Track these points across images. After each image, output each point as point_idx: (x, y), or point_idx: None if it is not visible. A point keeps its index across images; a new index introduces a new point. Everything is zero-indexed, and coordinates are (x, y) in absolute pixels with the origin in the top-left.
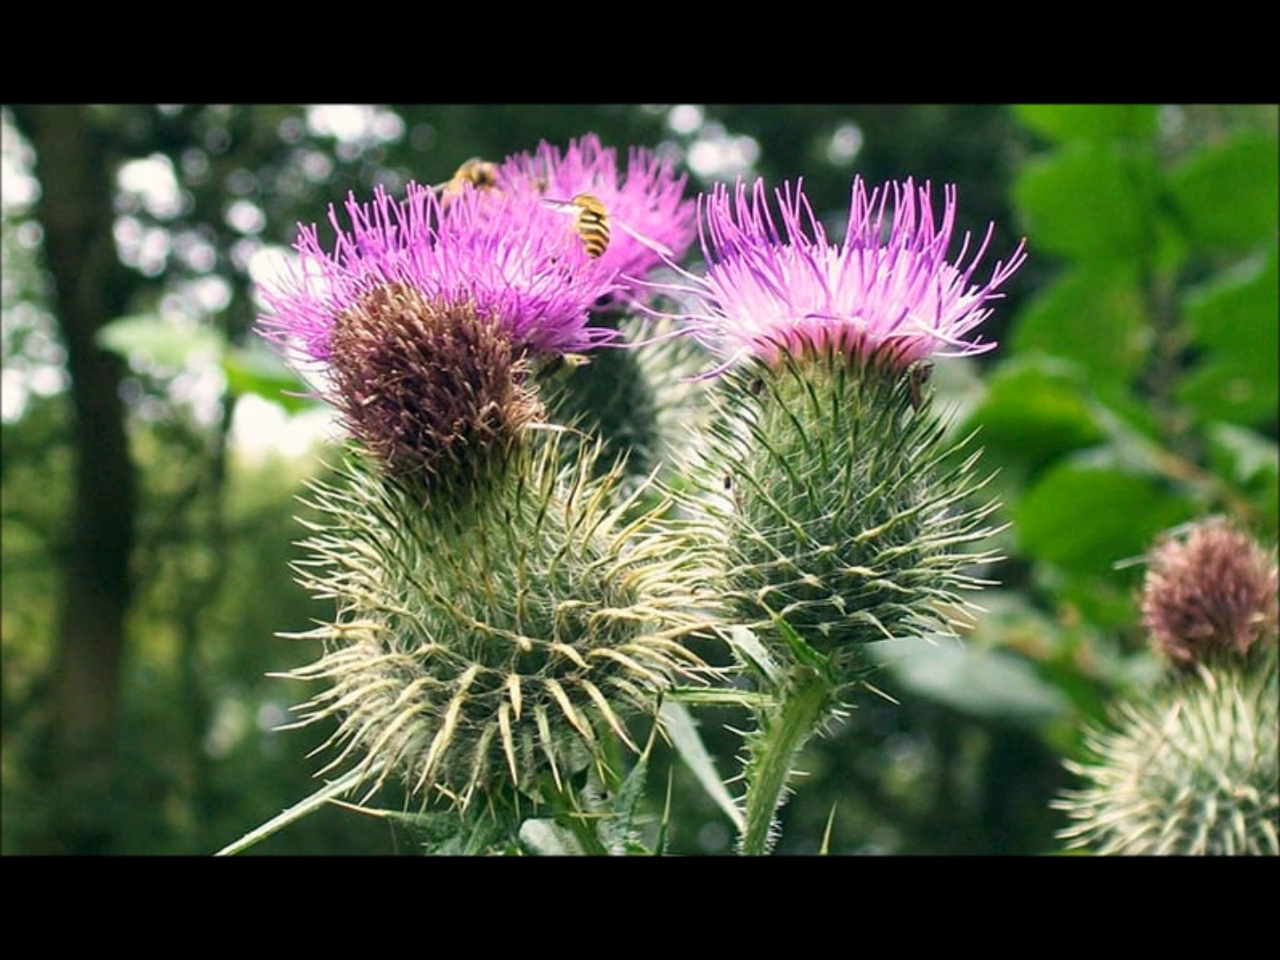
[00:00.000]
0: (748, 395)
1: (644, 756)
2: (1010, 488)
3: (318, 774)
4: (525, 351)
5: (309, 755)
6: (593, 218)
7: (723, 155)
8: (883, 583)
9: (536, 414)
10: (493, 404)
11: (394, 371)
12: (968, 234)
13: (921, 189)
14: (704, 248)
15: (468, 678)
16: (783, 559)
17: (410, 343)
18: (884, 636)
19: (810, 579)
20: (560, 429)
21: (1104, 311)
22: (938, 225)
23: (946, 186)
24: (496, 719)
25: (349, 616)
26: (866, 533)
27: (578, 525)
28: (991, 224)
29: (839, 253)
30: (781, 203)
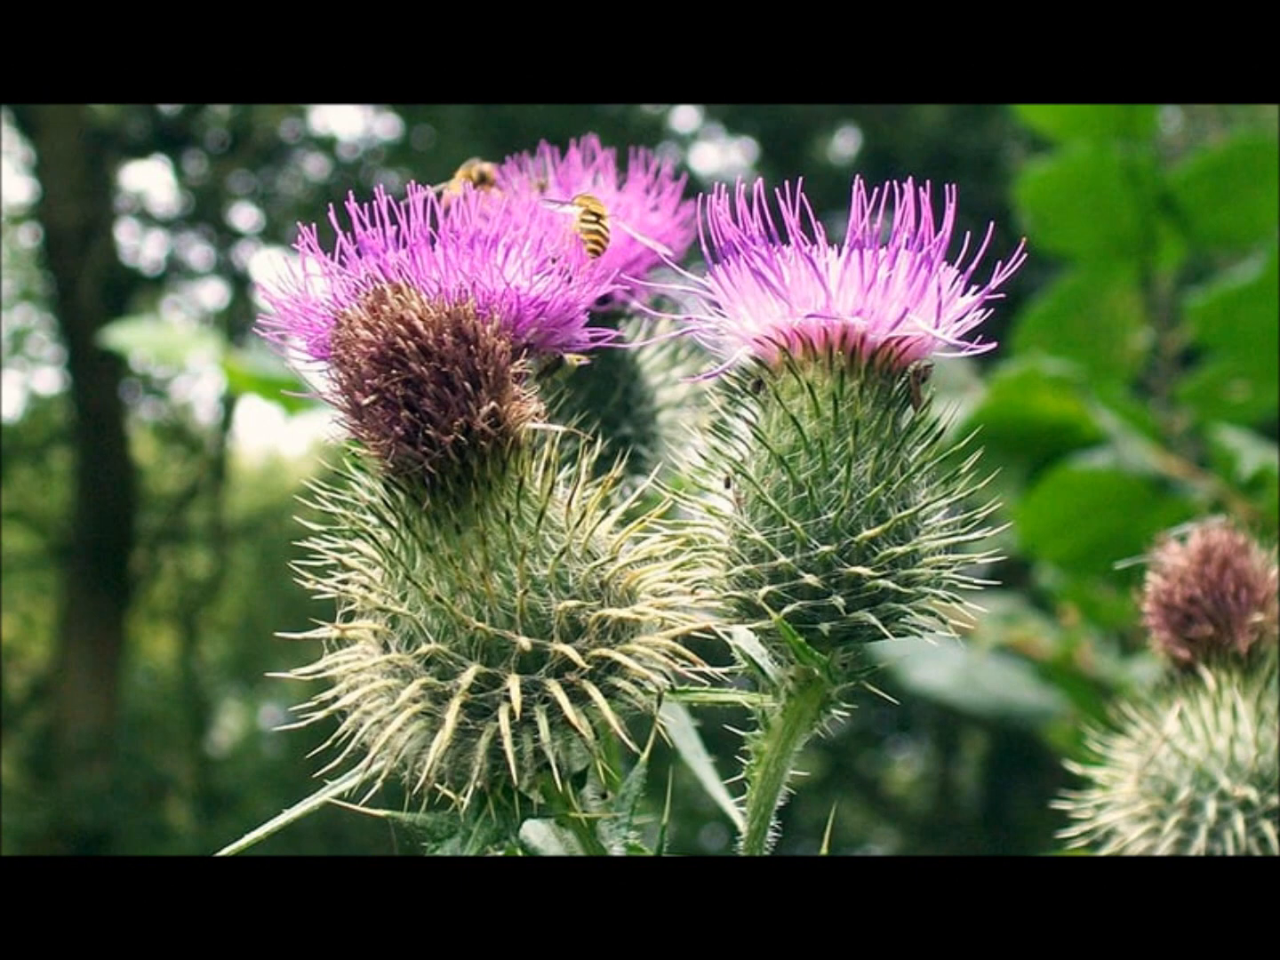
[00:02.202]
0: (748, 395)
1: (644, 756)
2: (1010, 488)
3: (318, 774)
4: (525, 351)
5: (309, 755)
6: (593, 218)
7: (723, 155)
8: (883, 583)
9: (536, 414)
10: (493, 404)
11: (394, 371)
12: (968, 234)
13: (921, 189)
14: (704, 248)
15: (468, 678)
16: (783, 559)
17: (410, 343)
18: (884, 636)
19: (810, 579)
20: (560, 429)
21: (1104, 311)
22: (938, 225)
23: (946, 186)
24: (496, 719)
25: (349, 616)
26: (866, 533)
27: (578, 525)
28: (991, 224)
29: (839, 253)
30: (781, 203)
